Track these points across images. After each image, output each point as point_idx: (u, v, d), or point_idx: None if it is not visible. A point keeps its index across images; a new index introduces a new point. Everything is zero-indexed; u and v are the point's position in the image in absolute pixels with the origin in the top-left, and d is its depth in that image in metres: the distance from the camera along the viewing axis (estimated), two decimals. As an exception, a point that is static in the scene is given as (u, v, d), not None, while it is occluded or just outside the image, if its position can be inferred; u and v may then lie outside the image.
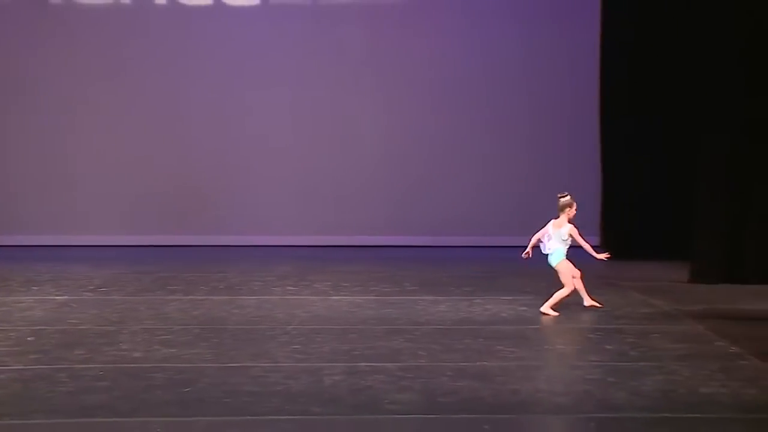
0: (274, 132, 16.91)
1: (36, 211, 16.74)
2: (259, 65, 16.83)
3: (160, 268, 15.00)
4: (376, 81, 17.00)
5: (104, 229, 16.70)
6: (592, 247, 12.30)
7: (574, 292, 12.17)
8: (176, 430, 7.92)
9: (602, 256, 12.07)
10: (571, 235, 11.97)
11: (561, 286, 12.03)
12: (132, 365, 9.74)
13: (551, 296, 12.07)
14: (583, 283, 12.29)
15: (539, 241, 12.10)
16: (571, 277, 12.02)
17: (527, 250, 12.20)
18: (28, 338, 10.76)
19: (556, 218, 12.04)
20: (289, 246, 16.69)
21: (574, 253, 12.29)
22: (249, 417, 8.22)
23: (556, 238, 11.96)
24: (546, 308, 12.01)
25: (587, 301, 12.29)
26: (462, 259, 16.24)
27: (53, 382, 9.17)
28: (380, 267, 15.24)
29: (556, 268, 12.06)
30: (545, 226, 12.07)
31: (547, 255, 12.05)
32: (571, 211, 11.97)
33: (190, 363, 9.81)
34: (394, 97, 17.01)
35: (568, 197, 11.98)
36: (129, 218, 16.87)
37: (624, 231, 16.38)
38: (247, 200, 17.11)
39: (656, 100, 16.42)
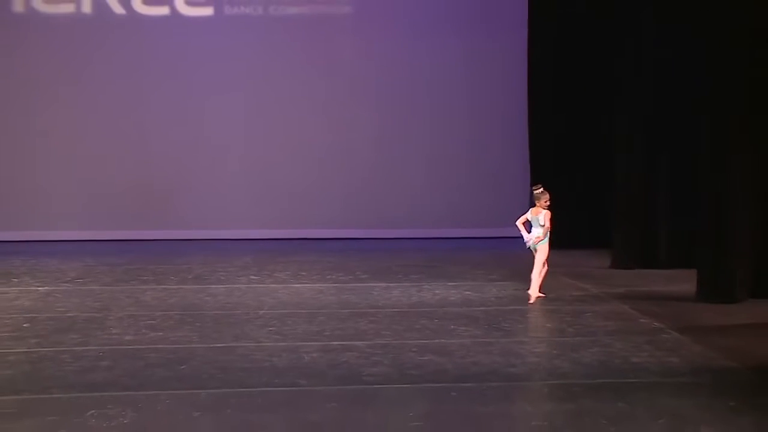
0: (229, 133, 17.18)
1: (1, 207, 16.95)
2: (214, 72, 17.05)
3: (127, 260, 15.27)
4: (324, 86, 17.30)
5: (68, 224, 16.90)
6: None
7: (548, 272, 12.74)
8: (181, 401, 8.51)
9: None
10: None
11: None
12: (127, 347, 10.27)
13: (531, 281, 12.58)
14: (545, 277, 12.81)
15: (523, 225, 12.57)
16: (544, 259, 12.57)
17: (526, 236, 12.63)
18: (24, 325, 11.18)
19: (533, 206, 12.61)
20: (245, 239, 17.08)
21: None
22: (244, 389, 8.86)
23: (535, 224, 12.52)
24: (534, 292, 12.53)
25: (535, 292, 12.64)
26: (406, 249, 16.56)
27: (59, 362, 9.68)
28: (333, 258, 15.66)
29: (538, 248, 12.58)
30: (524, 214, 12.63)
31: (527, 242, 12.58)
32: (544, 201, 12.53)
33: (180, 344, 10.39)
34: (341, 100, 17.32)
35: (541, 188, 12.57)
36: (91, 214, 17.06)
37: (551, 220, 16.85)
38: (204, 197, 17.32)
39: (579, 99, 16.75)
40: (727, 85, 12.69)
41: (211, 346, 10.42)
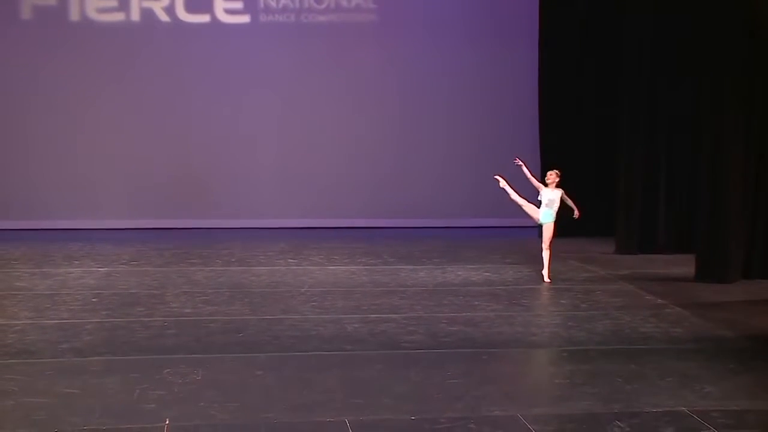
0: (263, 130, 17.36)
1: (55, 199, 17.09)
2: (250, 73, 17.26)
3: (173, 246, 15.58)
4: (350, 86, 17.53)
5: (117, 214, 17.14)
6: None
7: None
8: (243, 362, 9.11)
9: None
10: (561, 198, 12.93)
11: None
12: (187, 318, 10.80)
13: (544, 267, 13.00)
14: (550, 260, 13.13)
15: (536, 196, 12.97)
16: (550, 238, 12.97)
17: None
18: (92, 299, 11.65)
19: (545, 186, 12.95)
20: (277, 228, 17.30)
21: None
22: (297, 353, 9.48)
23: (548, 201, 12.91)
24: (547, 277, 13.00)
25: (547, 272, 13.06)
26: (427, 237, 16.86)
27: (130, 330, 10.25)
28: (361, 244, 15.94)
29: (545, 226, 12.96)
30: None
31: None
32: (555, 181, 12.93)
33: (234, 316, 10.92)
34: (366, 99, 17.52)
35: (554, 173, 12.99)
36: (137, 205, 17.27)
37: (560, 211, 17.09)
38: (239, 189, 17.50)
39: (588, 98, 16.97)
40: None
41: (262, 317, 10.92)
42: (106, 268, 13.73)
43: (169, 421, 7.55)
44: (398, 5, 17.59)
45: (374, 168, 17.66)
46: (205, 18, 17.41)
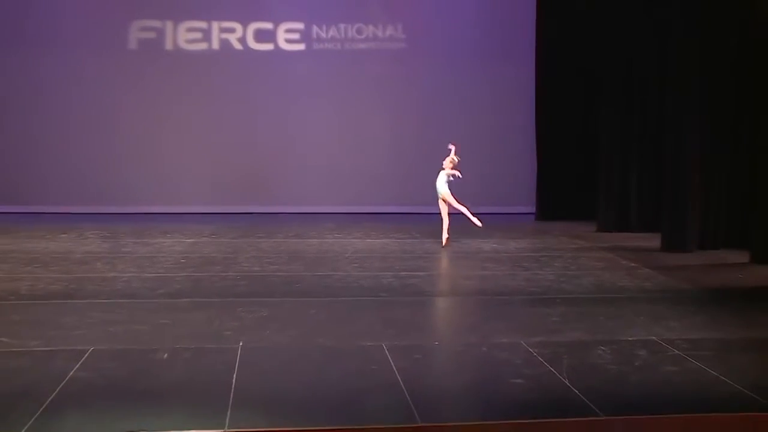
0: (314, 135, 17.23)
1: (152, 189, 17.05)
2: (305, 88, 17.16)
3: (243, 225, 15.43)
4: (384, 99, 17.36)
5: (199, 200, 16.99)
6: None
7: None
8: (300, 304, 9.07)
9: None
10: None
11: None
12: (256, 274, 10.76)
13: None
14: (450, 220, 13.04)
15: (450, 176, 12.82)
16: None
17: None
18: (181, 260, 11.69)
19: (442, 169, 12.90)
20: (326, 213, 16.95)
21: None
22: (342, 297, 9.45)
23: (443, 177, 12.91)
24: (445, 239, 12.85)
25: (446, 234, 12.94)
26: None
27: (211, 281, 10.24)
28: (392, 225, 15.66)
29: (444, 195, 12.89)
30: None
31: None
32: (449, 162, 12.92)
33: (292, 273, 10.87)
34: (396, 110, 17.32)
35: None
36: (215, 194, 17.14)
37: (551, 199, 16.72)
38: (296, 181, 17.32)
39: (579, 98, 16.48)
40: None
41: (315, 274, 10.88)
42: (191, 240, 13.73)
43: (242, 343, 7.53)
44: (422, 35, 17.47)
45: (402, 165, 17.38)
46: (269, 46, 17.41)
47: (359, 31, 17.46)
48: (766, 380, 6.68)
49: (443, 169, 13.03)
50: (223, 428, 5.62)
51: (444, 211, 13.13)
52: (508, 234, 14.71)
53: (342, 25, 17.39)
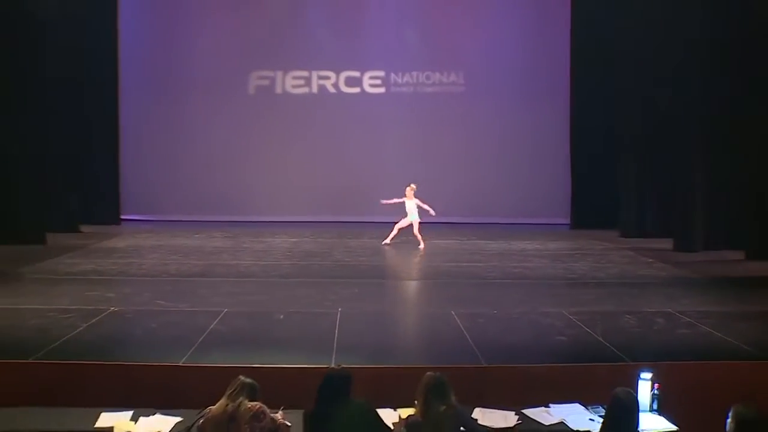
0: (392, 158, 16.92)
1: (264, 201, 17.10)
2: (384, 122, 17.14)
3: (336, 229, 15.26)
4: (446, 129, 17.04)
5: (298, 211, 16.84)
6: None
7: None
8: (384, 286, 9.29)
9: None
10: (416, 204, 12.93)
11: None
12: (347, 264, 10.96)
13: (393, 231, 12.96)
14: (398, 232, 13.00)
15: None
16: (418, 228, 12.90)
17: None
18: (288, 253, 12.00)
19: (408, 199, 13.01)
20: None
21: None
22: (419, 280, 9.69)
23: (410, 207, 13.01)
24: (388, 240, 12.86)
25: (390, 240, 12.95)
26: (493, 227, 15.68)
27: (312, 268, 10.49)
28: (450, 232, 15.03)
29: (414, 220, 12.94)
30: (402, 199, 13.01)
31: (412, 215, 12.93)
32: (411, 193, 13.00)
33: (377, 264, 11.06)
34: (454, 137, 17.01)
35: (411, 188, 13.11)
36: (313, 206, 17.00)
37: (585, 211, 16.29)
38: (378, 196, 16.42)
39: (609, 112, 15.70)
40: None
41: (396, 264, 11.19)
42: (294, 239, 13.95)
43: (341, 309, 7.78)
44: (479, 81, 17.35)
45: (459, 181, 16.96)
46: (357, 89, 17.59)
47: (428, 78, 17.66)
48: (758, 339, 6.79)
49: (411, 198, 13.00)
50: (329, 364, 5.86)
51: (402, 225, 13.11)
52: (548, 238, 14.65)
53: (414, 73, 17.55)
